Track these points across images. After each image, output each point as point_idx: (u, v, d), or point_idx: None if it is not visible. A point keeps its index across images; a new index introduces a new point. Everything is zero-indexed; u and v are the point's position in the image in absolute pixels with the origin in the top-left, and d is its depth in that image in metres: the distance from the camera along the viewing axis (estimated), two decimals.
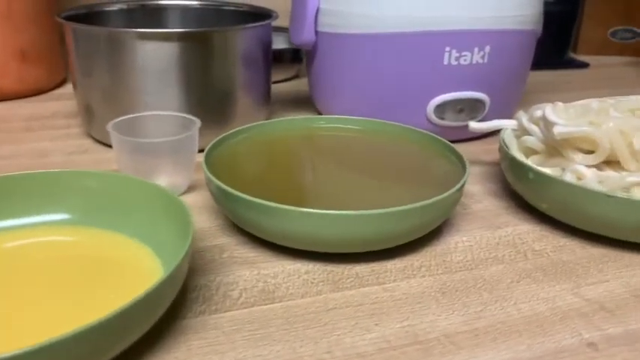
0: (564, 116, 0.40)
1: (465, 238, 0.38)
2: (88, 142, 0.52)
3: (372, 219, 0.32)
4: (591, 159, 0.38)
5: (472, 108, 0.52)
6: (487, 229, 0.39)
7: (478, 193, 0.44)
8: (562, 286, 0.33)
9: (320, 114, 0.59)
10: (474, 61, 0.49)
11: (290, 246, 0.34)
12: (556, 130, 0.39)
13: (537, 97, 0.72)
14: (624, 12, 0.92)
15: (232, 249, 0.35)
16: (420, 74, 0.50)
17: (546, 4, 0.80)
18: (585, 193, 0.35)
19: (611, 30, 0.94)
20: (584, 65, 0.87)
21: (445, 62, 0.49)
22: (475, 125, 0.46)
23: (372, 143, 0.46)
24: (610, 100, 0.42)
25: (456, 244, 0.37)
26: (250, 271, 0.33)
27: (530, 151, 0.42)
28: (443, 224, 0.39)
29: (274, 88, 0.71)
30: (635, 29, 0.93)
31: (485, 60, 0.50)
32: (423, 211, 0.33)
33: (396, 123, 0.47)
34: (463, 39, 0.48)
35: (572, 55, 0.95)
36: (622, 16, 0.92)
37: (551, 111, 0.40)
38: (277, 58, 0.71)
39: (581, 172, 0.38)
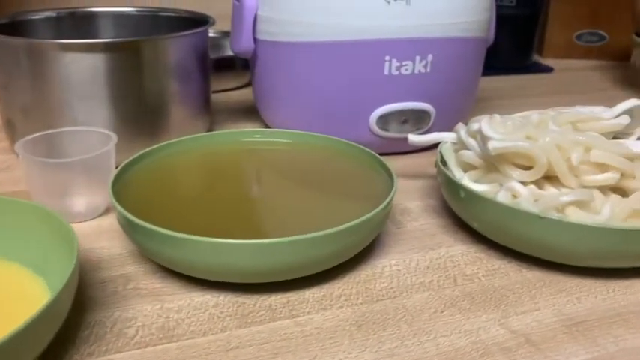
0: (501, 130, 0.38)
1: (393, 261, 0.35)
2: (12, 158, 0.49)
3: (286, 247, 0.30)
4: (529, 175, 0.36)
5: (417, 119, 0.50)
6: (419, 251, 0.37)
7: (416, 210, 0.42)
8: (489, 316, 0.31)
9: (266, 125, 0.57)
10: (417, 71, 0.47)
11: (199, 277, 0.32)
12: (491, 145, 0.37)
13: (499, 104, 0.70)
14: (589, 15, 0.91)
15: (139, 279, 0.33)
16: (360, 85, 0.48)
17: (508, 8, 0.79)
18: (517, 214, 0.33)
19: (576, 33, 0.92)
20: (548, 69, 0.86)
21: (386, 72, 0.47)
22: (414, 138, 0.44)
23: (301, 158, 0.44)
24: (551, 112, 0.40)
25: (383, 268, 0.35)
26: (153, 304, 0.31)
27: (468, 166, 0.40)
28: (373, 245, 0.37)
29: (223, 96, 0.68)
30: (600, 32, 0.91)
31: (429, 69, 0.48)
32: (343, 236, 0.31)
33: (327, 136, 0.44)
34: (403, 48, 0.46)
35: (538, 59, 0.93)
36: (587, 19, 0.91)
37: (487, 125, 0.38)
38: (228, 65, 0.68)
39: (516, 190, 0.35)
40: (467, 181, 0.39)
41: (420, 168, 0.49)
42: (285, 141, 0.45)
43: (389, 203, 0.34)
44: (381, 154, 0.50)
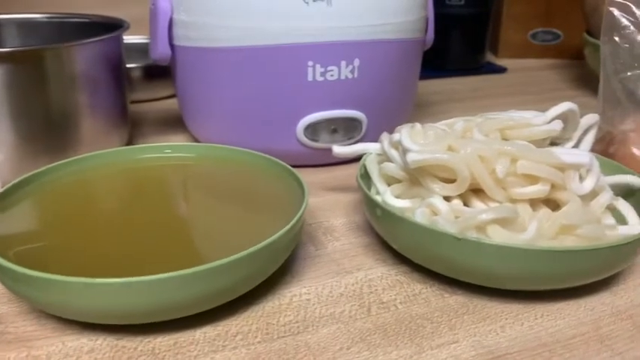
0: (422, 140, 0.35)
1: (304, 290, 0.32)
2: None
3: (167, 284, 0.26)
4: (452, 189, 0.33)
5: (347, 128, 0.46)
6: (335, 276, 0.33)
7: (341, 228, 0.39)
8: (400, 352, 0.27)
9: (195, 138, 0.53)
10: (343, 77, 0.44)
11: (75, 319, 0.28)
12: (409, 157, 0.33)
13: (451, 107, 0.67)
14: (544, 13, 0.89)
15: (9, 321, 0.29)
16: (283, 93, 0.44)
17: (457, 7, 0.76)
18: (433, 234, 0.30)
19: (531, 32, 0.90)
20: (502, 70, 0.83)
21: (309, 78, 0.43)
22: (338, 150, 0.40)
23: (212, 175, 0.40)
24: (478, 119, 0.37)
25: (291, 298, 0.31)
26: (19, 352, 0.27)
27: (393, 180, 0.37)
28: (284, 270, 0.33)
29: (150, 106, 0.64)
30: (555, 31, 0.89)
31: (356, 75, 0.44)
32: (235, 269, 0.27)
33: (239, 148, 0.41)
34: (327, 52, 0.43)
35: (493, 59, 0.91)
36: (542, 17, 0.89)
37: (407, 135, 0.35)
38: (158, 73, 0.64)
39: (435, 206, 0.32)
40: (388, 196, 0.35)
41: (353, 180, 0.46)
42: (191, 155, 0.41)
43: (294, 226, 0.30)
44: (313, 166, 0.47)
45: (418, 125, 0.36)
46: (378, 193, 0.37)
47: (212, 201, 0.37)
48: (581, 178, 0.34)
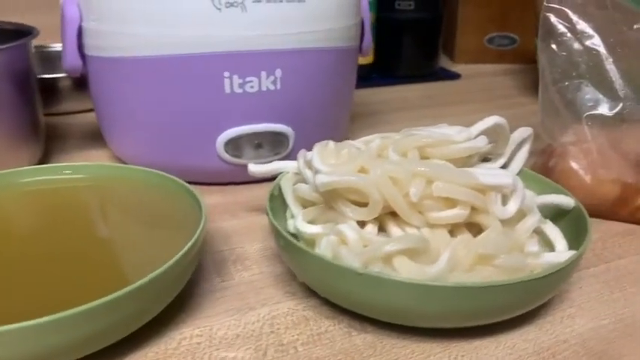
0: (333, 160, 0.32)
1: (197, 331, 0.29)
2: None
3: (24, 333, 0.22)
4: (364, 213, 0.30)
5: (273, 142, 0.43)
6: (235, 313, 0.30)
7: (253, 255, 0.36)
8: None
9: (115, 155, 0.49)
10: (264, 88, 0.41)
11: None
12: (317, 179, 0.30)
13: (395, 117, 0.64)
14: (500, 17, 0.87)
15: None
16: (199, 106, 0.41)
17: (407, 12, 0.74)
18: (333, 268, 0.27)
19: (487, 37, 0.88)
20: (456, 76, 0.81)
21: (227, 90, 0.40)
22: (254, 168, 0.37)
23: (100, 197, 0.36)
24: (396, 136, 0.34)
25: (180, 341, 0.28)
26: None
27: (308, 202, 0.34)
28: (179, 307, 0.30)
29: (82, 118, 0.60)
30: (511, 35, 0.87)
31: (278, 86, 0.41)
32: (105, 311, 0.24)
33: (138, 167, 0.37)
34: (244, 62, 0.40)
35: (449, 64, 0.88)
36: (498, 21, 0.87)
37: (317, 155, 0.32)
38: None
39: (344, 234, 0.29)
40: (300, 221, 0.32)
41: None
42: (88, 176, 0.37)
43: (182, 259, 0.27)
44: (239, 184, 0.44)
45: (331, 144, 0.33)
46: (293, 216, 0.34)
47: (104, 228, 0.33)
48: (507, 200, 0.31)
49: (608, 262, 0.35)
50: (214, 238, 0.37)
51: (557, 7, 0.41)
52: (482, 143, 0.33)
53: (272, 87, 0.41)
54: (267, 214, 0.31)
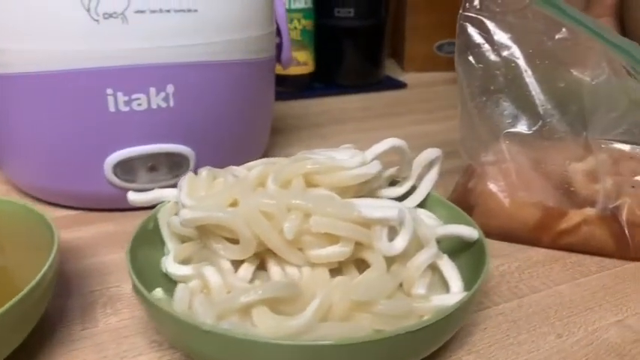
0: (204, 192, 0.28)
1: None
2: None
3: None
4: (237, 252, 0.27)
5: (171, 165, 0.40)
6: None
7: (128, 296, 0.32)
8: None
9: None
10: (154, 106, 0.37)
11: None
12: (181, 215, 0.27)
13: (329, 131, 0.61)
14: (450, 24, 0.83)
15: None
16: (82, 126, 0.37)
17: (347, 20, 0.71)
18: (180, 323, 0.23)
19: (436, 44, 0.85)
20: (401, 85, 0.78)
21: (112, 109, 0.36)
22: (132, 197, 0.33)
23: None
24: (284, 161, 0.31)
25: None
26: None
27: (186, 237, 0.30)
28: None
29: None
30: None
31: (171, 103, 0.37)
32: None
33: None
34: (128, 78, 0.36)
35: (399, 72, 0.85)
36: (447, 28, 0.84)
37: (186, 185, 0.28)
38: None
39: (206, 278, 0.26)
40: (169, 260, 0.29)
41: None
42: None
43: (13, 309, 0.23)
44: (135, 210, 0.40)
45: (205, 172, 0.30)
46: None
47: None
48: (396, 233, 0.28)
49: (521, 297, 0.32)
50: (91, 274, 0.33)
51: (474, 16, 0.38)
52: (374, 169, 0.29)
53: (163, 104, 0.37)
54: (127, 257, 0.27)
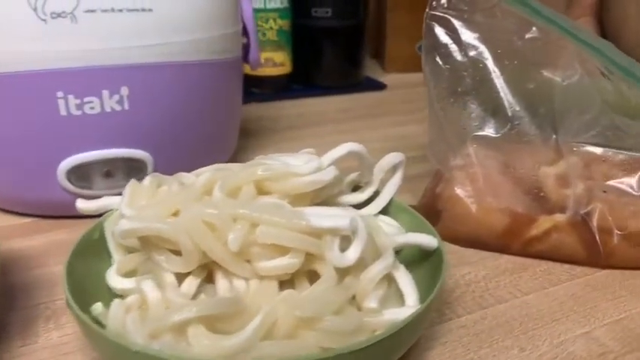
0: (145, 201, 0.27)
1: None
2: None
3: None
4: (180, 264, 0.25)
5: (128, 170, 0.38)
6: None
7: None
8: None
9: None
10: (108, 109, 0.36)
11: None
12: (118, 226, 0.25)
13: (304, 133, 0.59)
14: None
15: None
16: (32, 130, 0.35)
17: (324, 20, 0.69)
18: (108, 343, 0.22)
19: (418, 44, 0.83)
20: (381, 86, 0.76)
21: (63, 112, 0.35)
22: (81, 205, 0.32)
23: None
24: (235, 167, 0.29)
25: None
26: None
27: (131, 248, 0.29)
28: None
29: None
30: None
31: (126, 106, 0.36)
32: None
33: None
34: (79, 80, 0.34)
35: (380, 73, 0.84)
36: None
37: (127, 194, 0.27)
38: None
39: (145, 293, 0.24)
40: (112, 273, 0.27)
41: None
42: None
43: None
44: (85, 218, 0.38)
45: (148, 179, 0.28)
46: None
47: None
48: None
49: (485, 308, 0.31)
50: (38, 286, 0.32)
51: (441, 14, 0.37)
52: (329, 176, 0.28)
53: (118, 107, 0.36)
54: (64, 266, 0.26)
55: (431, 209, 0.38)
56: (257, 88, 0.70)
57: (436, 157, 0.38)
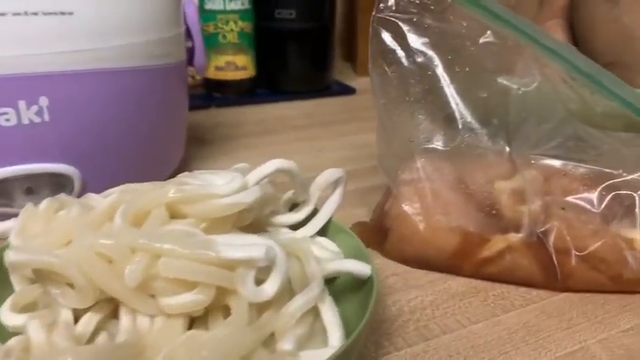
0: (39, 227, 0.24)
1: None
2: None
3: None
4: (76, 299, 0.23)
5: (53, 186, 0.35)
6: None
7: None
8: None
9: None
10: (26, 121, 0.33)
11: None
12: (6, 257, 0.22)
13: (263, 141, 0.57)
14: None
15: None
16: None
17: (288, 22, 0.66)
18: None
19: None
20: (350, 91, 0.74)
21: None
22: None
23: None
24: (147, 187, 0.26)
25: None
26: None
27: (33, 279, 0.26)
28: None
29: None
30: None
31: (46, 118, 0.33)
32: None
33: None
34: None
35: (353, 77, 0.82)
36: None
37: (20, 220, 0.24)
38: None
39: (28, 334, 0.21)
40: (5, 307, 0.24)
41: None
42: None
43: None
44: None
45: (45, 203, 0.25)
46: None
47: None
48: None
49: (428, 340, 0.28)
50: None
51: (388, 18, 0.34)
52: (251, 197, 0.25)
53: (37, 119, 0.33)
54: None
55: (380, 228, 0.35)
56: (219, 93, 0.68)
57: (386, 170, 0.35)
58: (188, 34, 0.43)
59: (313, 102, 0.70)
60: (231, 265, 0.23)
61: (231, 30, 0.64)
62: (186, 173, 0.28)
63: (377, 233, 0.35)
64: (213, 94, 0.67)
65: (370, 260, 0.26)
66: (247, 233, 0.26)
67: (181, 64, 0.42)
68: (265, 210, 0.29)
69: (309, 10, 0.67)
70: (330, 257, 0.28)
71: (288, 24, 0.67)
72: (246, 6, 0.64)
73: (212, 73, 0.66)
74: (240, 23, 0.65)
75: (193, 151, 0.52)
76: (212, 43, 0.65)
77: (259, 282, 0.23)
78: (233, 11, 0.64)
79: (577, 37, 0.54)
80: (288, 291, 0.24)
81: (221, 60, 0.65)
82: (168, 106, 0.41)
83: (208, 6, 0.64)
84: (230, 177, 0.27)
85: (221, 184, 0.26)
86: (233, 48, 0.65)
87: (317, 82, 0.71)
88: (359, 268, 0.26)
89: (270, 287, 0.23)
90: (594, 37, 0.51)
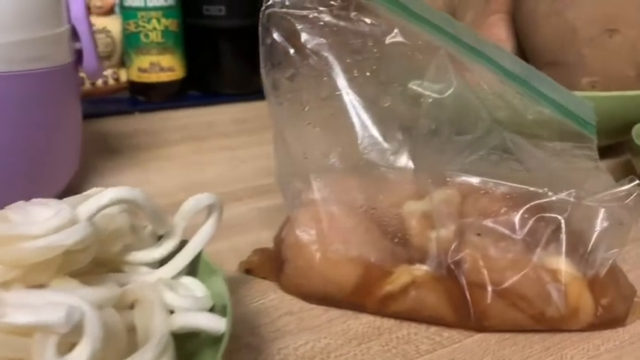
0: None
1: None
2: None
3: None
4: None
5: None
6: None
7: None
8: None
9: None
10: None
11: None
12: None
13: (183, 150, 0.51)
14: None
15: None
16: None
17: (217, 19, 0.61)
18: None
19: None
20: None
21: None
22: None
23: None
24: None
25: None
26: None
27: None
28: None
29: None
30: None
31: None
32: None
33: None
34: None
35: None
36: None
37: None
38: None
39: None
40: None
41: None
42: None
43: None
44: None
45: None
46: None
47: None
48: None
49: None
50: None
51: (280, 14, 0.29)
52: (74, 237, 0.20)
53: None
54: None
55: (277, 258, 0.30)
56: (143, 96, 0.62)
57: (284, 192, 0.30)
58: (75, 34, 0.38)
59: (247, 105, 0.65)
60: (27, 332, 0.18)
61: (154, 28, 0.59)
62: (16, 204, 0.23)
63: (275, 262, 0.31)
64: (137, 97, 0.62)
65: (229, 311, 0.22)
66: (78, 281, 0.21)
67: (67, 68, 0.37)
68: (115, 246, 0.24)
69: (239, 6, 0.62)
70: (189, 306, 0.23)
71: (218, 21, 0.61)
72: (170, 2, 0.59)
73: (135, 76, 0.61)
74: (164, 21, 0.59)
75: (99, 162, 0.47)
76: (133, 42, 0.60)
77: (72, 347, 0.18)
78: (155, 8, 0.58)
79: (518, 33, 0.50)
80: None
81: (144, 61, 0.60)
82: (51, 114, 0.36)
83: (128, 3, 0.59)
84: (55, 211, 0.22)
85: (39, 221, 0.21)
86: (157, 48, 0.60)
87: (251, 84, 0.66)
88: (212, 323, 0.21)
89: (78, 356, 0.18)
90: (535, 32, 0.47)
